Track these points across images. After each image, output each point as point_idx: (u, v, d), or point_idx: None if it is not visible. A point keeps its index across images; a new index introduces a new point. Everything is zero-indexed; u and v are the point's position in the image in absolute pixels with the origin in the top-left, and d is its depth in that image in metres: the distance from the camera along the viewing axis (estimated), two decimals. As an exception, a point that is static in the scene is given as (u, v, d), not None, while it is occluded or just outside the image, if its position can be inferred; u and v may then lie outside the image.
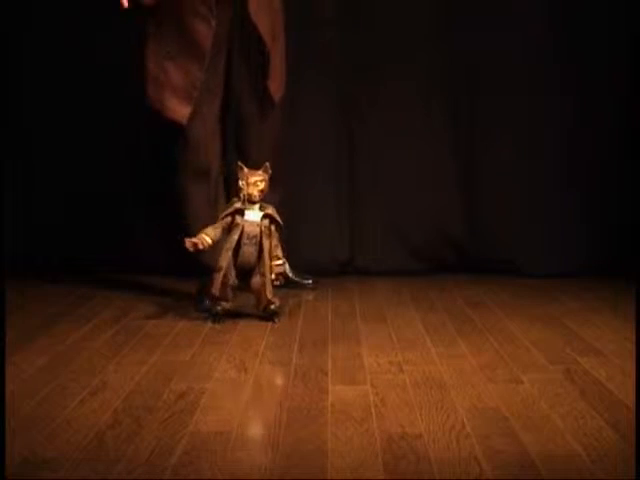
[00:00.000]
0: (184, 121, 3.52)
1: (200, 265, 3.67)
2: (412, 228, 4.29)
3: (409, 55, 4.22)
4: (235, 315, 3.46)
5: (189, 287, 3.78)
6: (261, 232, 3.38)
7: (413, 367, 2.82)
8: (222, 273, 3.36)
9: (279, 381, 2.73)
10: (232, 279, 3.39)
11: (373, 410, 2.43)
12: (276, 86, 3.65)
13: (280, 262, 3.40)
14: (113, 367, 2.83)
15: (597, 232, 4.23)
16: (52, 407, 2.46)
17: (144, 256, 4.25)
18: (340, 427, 2.30)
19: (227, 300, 3.40)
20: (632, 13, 4.10)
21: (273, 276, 3.38)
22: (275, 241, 3.40)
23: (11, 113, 4.26)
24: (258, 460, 2.10)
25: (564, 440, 2.22)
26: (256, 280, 3.39)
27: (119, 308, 3.62)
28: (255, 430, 2.29)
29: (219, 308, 3.40)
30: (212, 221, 3.47)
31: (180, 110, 3.52)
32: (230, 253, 3.37)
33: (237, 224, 3.38)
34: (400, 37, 4.21)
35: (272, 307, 3.40)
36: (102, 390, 2.61)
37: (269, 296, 3.38)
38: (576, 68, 4.20)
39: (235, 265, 3.39)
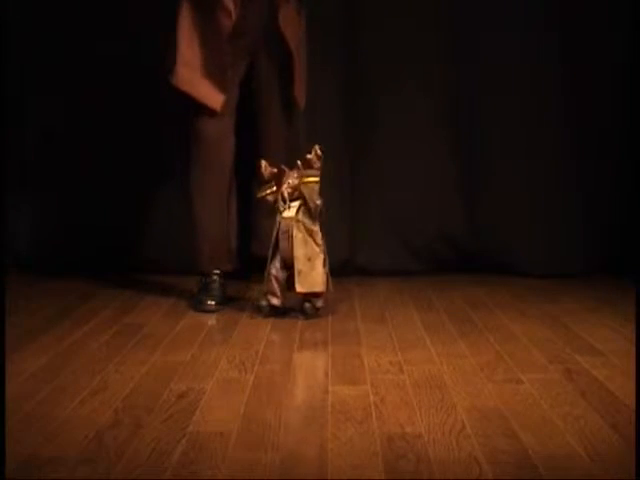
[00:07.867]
0: (218, 107, 3.58)
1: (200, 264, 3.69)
2: (412, 228, 4.29)
3: (409, 56, 4.22)
4: (236, 315, 3.47)
5: (189, 287, 3.78)
6: (293, 226, 3.42)
7: (413, 367, 2.82)
8: (273, 272, 3.43)
9: (279, 381, 2.72)
10: (280, 274, 3.45)
11: (373, 410, 2.43)
12: (300, 94, 3.72)
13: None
14: (113, 367, 2.83)
15: (597, 232, 4.23)
16: (52, 407, 2.46)
17: (144, 256, 4.25)
18: (340, 427, 2.30)
19: (278, 295, 3.45)
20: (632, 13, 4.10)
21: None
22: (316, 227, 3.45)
23: (18, 112, 4.27)
24: (258, 460, 2.10)
25: (564, 440, 2.22)
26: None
27: (119, 308, 3.62)
28: (255, 430, 2.29)
29: (276, 302, 3.45)
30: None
31: (214, 96, 3.57)
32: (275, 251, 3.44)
33: (276, 222, 3.46)
34: (400, 37, 4.21)
35: (318, 304, 3.47)
36: (102, 390, 2.61)
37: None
38: (576, 68, 4.20)
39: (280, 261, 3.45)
